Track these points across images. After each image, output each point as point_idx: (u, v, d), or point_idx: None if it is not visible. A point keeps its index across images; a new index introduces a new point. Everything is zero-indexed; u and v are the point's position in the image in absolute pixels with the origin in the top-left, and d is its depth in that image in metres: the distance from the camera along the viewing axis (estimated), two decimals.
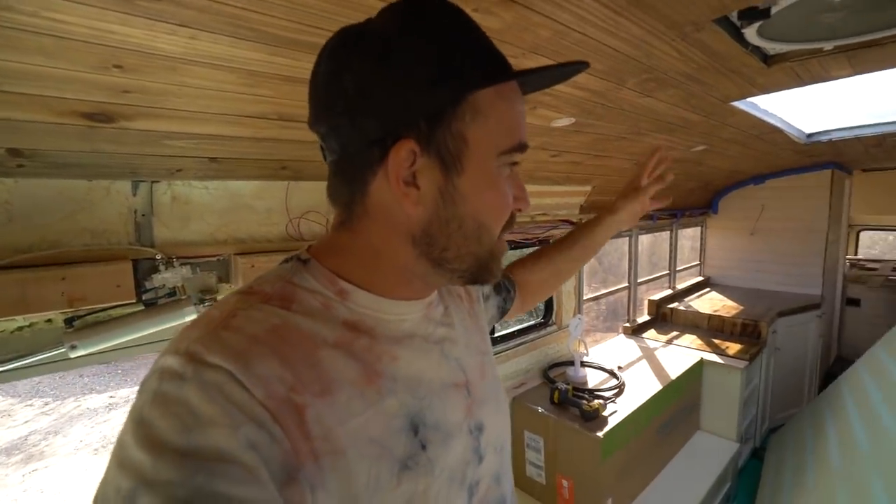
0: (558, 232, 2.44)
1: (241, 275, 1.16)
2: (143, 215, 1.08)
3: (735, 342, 2.78)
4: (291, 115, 0.95)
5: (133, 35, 0.60)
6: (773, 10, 0.74)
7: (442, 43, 0.39)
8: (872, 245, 6.00)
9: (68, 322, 1.01)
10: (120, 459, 0.32)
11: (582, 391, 2.05)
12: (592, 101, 1.21)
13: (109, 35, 0.59)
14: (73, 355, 0.99)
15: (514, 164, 0.45)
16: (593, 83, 1.06)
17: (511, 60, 0.44)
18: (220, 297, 1.23)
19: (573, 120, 1.35)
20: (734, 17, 0.79)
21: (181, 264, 1.11)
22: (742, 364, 2.50)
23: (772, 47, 0.97)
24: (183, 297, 1.11)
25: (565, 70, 0.45)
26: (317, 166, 1.25)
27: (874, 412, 2.01)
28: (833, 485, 1.84)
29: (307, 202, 1.39)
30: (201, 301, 1.17)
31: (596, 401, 1.90)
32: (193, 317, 1.12)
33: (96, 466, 4.48)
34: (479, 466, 0.50)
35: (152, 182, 1.06)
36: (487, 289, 0.74)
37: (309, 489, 0.35)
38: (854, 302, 4.37)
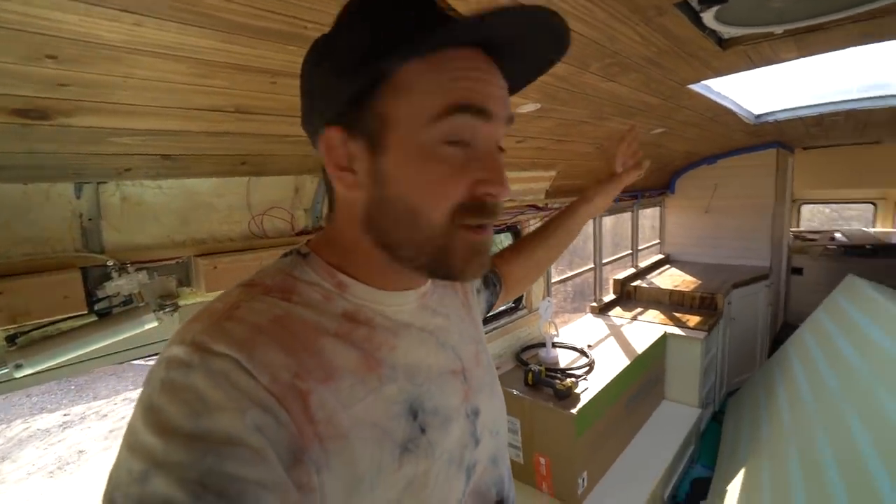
0: (524, 217, 2.47)
1: (204, 277, 1.11)
2: (90, 219, 1.00)
3: (694, 314, 2.93)
4: (249, 107, 0.90)
5: (69, 21, 0.55)
6: None
7: (363, 29, 0.40)
8: (812, 218, 6.45)
9: (10, 339, 0.92)
10: (131, 444, 0.33)
11: (554, 371, 2.11)
12: (556, 85, 1.21)
13: (41, 22, 0.53)
14: (18, 375, 0.91)
15: (460, 141, 0.40)
16: (557, 68, 1.06)
17: None
18: (181, 302, 1.17)
19: (538, 105, 1.35)
20: (694, 2, 0.81)
21: (136, 270, 1.04)
22: (702, 335, 2.64)
23: (727, 31, 1.00)
24: (141, 305, 1.05)
25: (540, 25, 0.40)
26: (279, 160, 1.20)
27: (818, 371, 2.18)
28: (784, 440, 1.99)
29: (270, 198, 1.33)
30: (161, 307, 1.11)
31: (568, 379, 1.96)
32: (154, 324, 1.06)
33: (52, 490, 4.22)
34: (476, 449, 0.51)
35: (98, 183, 0.98)
36: (479, 283, 0.73)
37: (315, 470, 0.36)
38: (797, 271, 4.70)
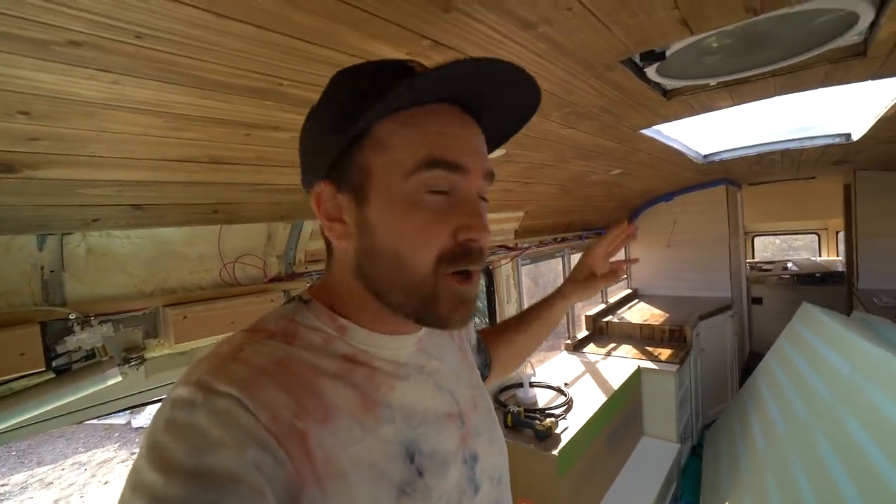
0: (496, 258, 2.52)
1: (173, 327, 1.08)
2: (52, 271, 0.97)
3: (665, 348, 3.00)
4: (223, 158, 0.92)
5: (46, 81, 0.56)
6: (668, 52, 0.86)
7: (347, 91, 0.45)
8: (765, 248, 6.84)
9: None
10: (133, 483, 0.33)
11: (533, 412, 2.09)
12: (521, 133, 1.29)
13: (16, 81, 0.55)
14: None
15: (441, 191, 0.42)
16: None
17: None
18: (147, 355, 1.12)
19: (504, 151, 1.43)
20: (637, 58, 0.91)
21: (100, 322, 1.01)
22: (674, 368, 2.69)
23: (669, 83, 1.11)
24: (104, 359, 1.00)
25: (509, 80, 0.43)
26: (250, 208, 1.20)
27: (785, 397, 2.25)
28: (762, 468, 2.01)
29: (242, 246, 1.33)
30: (126, 361, 1.06)
31: (548, 419, 1.95)
32: (118, 379, 1.01)
33: None
34: (476, 496, 0.50)
35: (63, 234, 0.96)
36: (474, 340, 0.73)
37: None
38: (757, 300, 4.92)
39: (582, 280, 0.83)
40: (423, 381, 0.50)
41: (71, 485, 4.96)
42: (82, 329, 0.98)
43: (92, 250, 1.02)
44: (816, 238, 6.04)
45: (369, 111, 0.40)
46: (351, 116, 0.41)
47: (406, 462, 0.44)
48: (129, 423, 6.05)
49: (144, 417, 5.88)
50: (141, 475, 0.33)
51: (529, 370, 2.61)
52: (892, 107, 1.54)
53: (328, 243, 0.50)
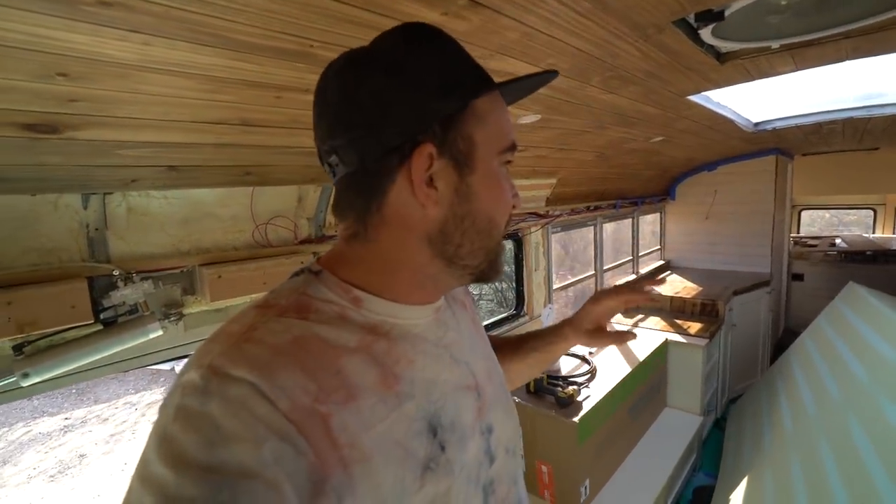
0: (526, 225, 2.48)
1: (209, 286, 1.12)
2: (97, 229, 1.01)
3: (696, 321, 2.93)
4: (255, 120, 0.91)
5: (79, 42, 0.56)
6: (727, 13, 0.78)
7: (444, 57, 0.44)
8: (812, 223, 6.46)
9: (17, 349, 0.93)
10: (143, 475, 0.32)
11: (556, 378, 2.11)
12: (558, 97, 1.23)
13: (52, 42, 0.55)
14: (25, 384, 0.92)
15: (508, 162, 0.49)
16: (559, 82, 1.07)
17: (479, 61, 0.48)
18: (186, 311, 1.17)
19: (539, 116, 1.37)
20: (691, 18, 0.82)
21: (142, 279, 1.05)
22: (703, 342, 2.64)
23: (724, 46, 1.01)
24: (146, 314, 1.06)
25: (537, 80, 0.50)
26: (282, 170, 1.21)
27: (819, 378, 2.18)
28: (787, 447, 1.98)
29: (273, 207, 1.34)
30: (166, 316, 1.12)
31: (570, 387, 1.96)
32: (158, 333, 1.07)
33: (53, 494, 4.21)
34: (491, 467, 0.51)
35: (105, 194, 1.00)
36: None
37: (337, 498, 0.35)
38: (798, 277, 4.69)
39: (586, 331, 0.74)
40: (441, 353, 0.49)
41: (124, 422, 5.45)
42: (125, 285, 1.03)
43: (132, 209, 1.06)
44: (872, 213, 5.63)
45: (486, 86, 0.45)
46: (462, 84, 0.44)
47: (429, 437, 0.43)
48: (173, 368, 6.50)
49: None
50: (150, 468, 0.32)
51: None
52: None
53: (367, 209, 0.45)
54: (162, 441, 0.32)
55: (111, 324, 1.04)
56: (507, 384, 0.77)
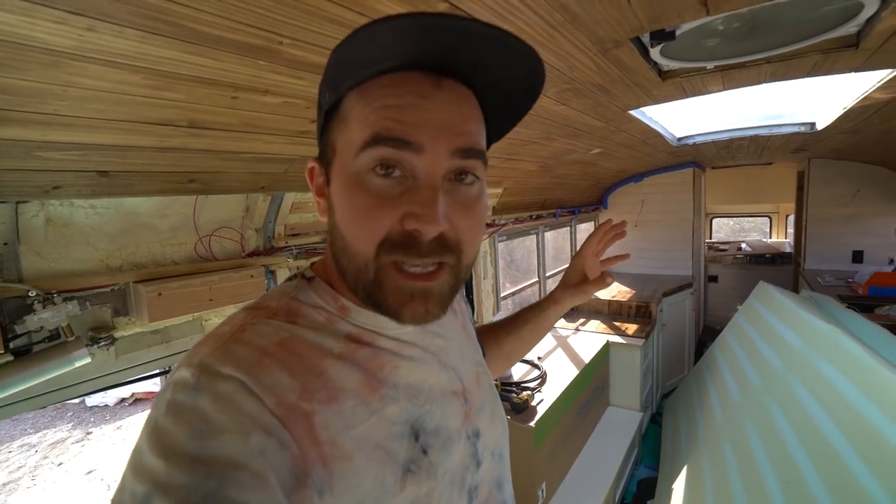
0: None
1: (147, 305, 1.00)
2: (6, 244, 0.87)
3: (632, 323, 3.13)
4: (205, 122, 0.84)
5: (4, 21, 0.48)
6: (677, 33, 0.84)
7: (329, 67, 0.39)
8: (719, 230, 7.21)
9: None
10: (135, 466, 0.33)
11: (510, 385, 2.14)
12: None
13: None
14: None
15: (386, 173, 0.38)
16: None
17: None
18: (118, 334, 1.04)
19: None
20: (646, 38, 0.89)
21: (64, 300, 0.92)
22: (640, 342, 2.82)
23: (668, 64, 1.10)
24: (70, 339, 0.92)
25: (500, 49, 0.37)
26: (229, 178, 1.12)
27: (742, 370, 2.41)
28: (718, 434, 2.16)
29: (218, 217, 1.24)
30: (94, 341, 0.98)
31: (524, 392, 2.00)
32: (86, 360, 0.94)
33: None
34: (478, 472, 0.51)
35: (18, 202, 0.86)
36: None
37: (317, 494, 0.36)
38: (713, 279, 5.20)
39: (573, 285, 0.78)
40: (428, 359, 0.49)
41: (20, 467, 4.70)
42: (44, 307, 0.89)
43: (51, 221, 0.92)
44: (768, 221, 6.40)
45: (333, 86, 0.39)
46: (335, 85, 0.40)
47: (411, 440, 0.43)
48: (83, 401, 5.75)
49: (99, 396, 5.62)
50: (142, 459, 0.33)
51: None
52: (861, 99, 1.61)
53: None
54: (154, 433, 0.33)
55: (25, 353, 0.89)
56: (505, 361, 0.81)
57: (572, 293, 0.78)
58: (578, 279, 0.79)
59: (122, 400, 5.78)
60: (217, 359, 0.36)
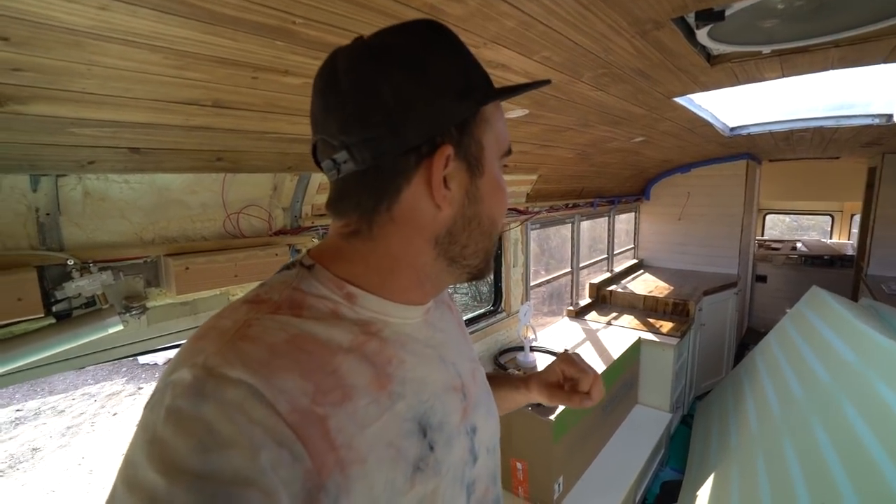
0: (505, 220, 2.46)
1: (175, 278, 1.04)
2: (48, 214, 0.92)
3: (667, 320, 3.00)
4: (228, 102, 0.85)
5: (20, 1, 0.49)
6: (728, 13, 0.76)
7: (462, 60, 0.44)
8: (773, 227, 6.74)
9: None
10: (129, 480, 0.30)
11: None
12: (547, 93, 1.20)
13: None
14: None
15: (505, 166, 0.49)
16: (551, 75, 1.04)
17: (472, 50, 0.46)
18: (149, 304, 1.10)
19: (527, 111, 1.34)
20: (691, 18, 0.81)
21: (100, 269, 0.97)
22: (674, 341, 2.70)
23: (717, 48, 1.00)
24: (105, 307, 0.98)
25: (529, 86, 0.49)
26: (256, 157, 1.14)
27: (784, 379, 2.26)
28: (753, 445, 2.05)
29: (246, 196, 1.27)
30: (127, 310, 1.04)
31: None
32: (119, 328, 0.99)
33: (5, 490, 3.97)
34: (475, 466, 0.51)
35: (57, 175, 0.91)
36: None
37: (331, 503, 0.35)
38: (762, 279, 4.89)
39: (549, 384, 0.70)
40: (430, 354, 0.50)
41: (81, 413, 5.17)
42: (81, 276, 0.95)
43: (89, 194, 0.97)
44: (830, 219, 5.91)
45: (499, 94, 0.45)
46: (477, 88, 0.44)
47: (420, 437, 0.43)
48: (135, 359, 6.24)
49: (149, 356, 6.06)
50: (138, 473, 0.30)
51: (531, 334, 2.62)
52: None
53: (375, 206, 0.43)
54: (152, 444, 0.31)
55: (65, 317, 0.95)
56: None
57: (546, 391, 0.69)
58: (555, 380, 0.69)
59: (170, 360, 6.23)
60: (223, 359, 0.34)
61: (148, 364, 6.25)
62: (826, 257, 4.70)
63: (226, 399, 0.32)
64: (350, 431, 0.37)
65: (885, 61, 1.09)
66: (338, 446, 0.36)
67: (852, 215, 5.57)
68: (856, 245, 4.73)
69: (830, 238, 5.89)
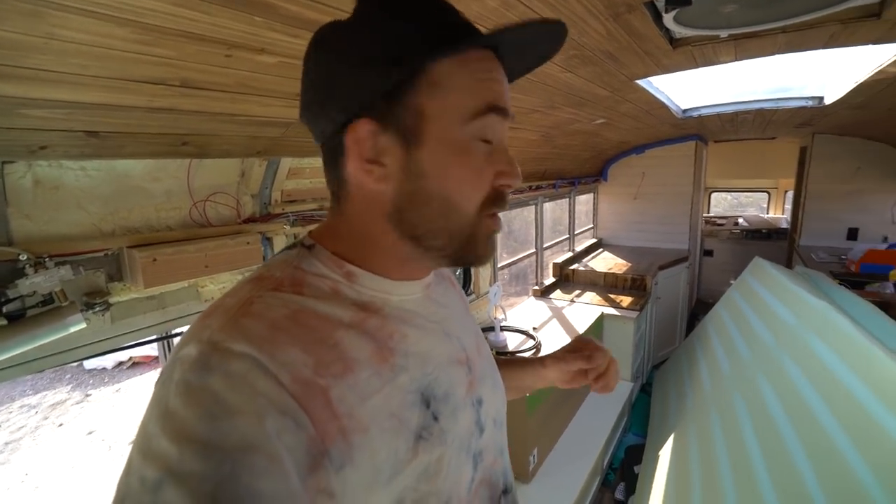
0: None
1: (141, 270, 0.99)
2: None
3: (627, 295, 3.16)
4: (197, 81, 0.80)
5: None
6: None
7: (394, 23, 0.40)
8: (717, 204, 7.20)
9: None
10: (144, 449, 0.32)
11: (504, 354, 2.17)
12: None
13: None
14: None
15: (488, 139, 0.43)
16: None
17: None
18: (112, 299, 1.03)
19: None
20: (660, 2, 0.84)
21: (57, 264, 0.90)
22: (634, 314, 2.85)
23: (680, 31, 1.05)
24: (64, 304, 0.91)
25: (545, 32, 0.44)
26: (224, 141, 1.08)
27: (733, 343, 2.45)
28: (706, 404, 2.23)
29: (213, 182, 1.21)
30: (89, 306, 0.97)
31: None
32: (81, 325, 0.93)
33: None
34: (481, 438, 0.52)
35: (3, 162, 0.83)
36: None
37: (335, 470, 0.36)
38: (709, 253, 5.23)
39: (567, 369, 0.69)
40: (433, 328, 0.50)
41: (21, 427, 4.79)
42: (36, 271, 0.88)
43: (40, 182, 0.89)
44: (766, 196, 6.38)
45: (438, 50, 0.39)
46: (413, 49, 0.39)
47: (423, 407, 0.44)
48: (81, 364, 5.81)
49: (96, 360, 5.67)
50: (152, 442, 0.32)
51: (500, 315, 2.68)
52: (875, 73, 1.56)
53: (339, 186, 0.45)
54: (164, 416, 0.33)
55: (18, 318, 0.88)
56: None
57: (560, 376, 0.70)
58: (575, 365, 0.69)
59: (120, 363, 5.84)
60: (227, 334, 0.35)
61: (95, 369, 5.85)
62: (764, 231, 5.09)
63: (231, 371, 0.33)
64: (351, 402, 0.38)
65: (825, 47, 1.19)
66: (340, 415, 0.37)
67: (786, 192, 6.04)
68: (789, 219, 5.15)
69: (767, 213, 6.37)
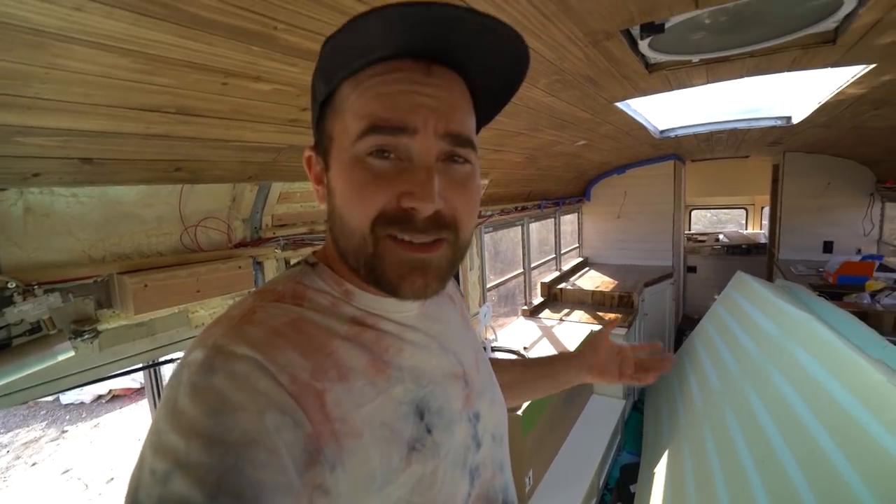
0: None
1: (132, 297, 0.98)
2: None
3: (615, 312, 3.19)
4: (193, 109, 0.82)
5: None
6: (667, 26, 0.86)
7: (323, 52, 0.40)
8: (697, 221, 7.40)
9: None
10: (154, 444, 0.34)
11: None
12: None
13: None
14: None
15: (389, 156, 0.39)
16: None
17: None
18: (101, 327, 1.02)
19: None
20: (636, 30, 0.90)
21: (45, 292, 0.89)
22: (623, 331, 2.88)
23: (655, 57, 1.12)
24: (52, 332, 0.90)
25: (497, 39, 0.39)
26: (217, 167, 1.10)
27: (720, 357, 2.49)
28: (699, 419, 2.24)
29: (204, 208, 1.22)
30: (77, 334, 0.96)
31: None
32: (70, 354, 0.91)
33: None
34: (478, 453, 0.52)
35: None
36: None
37: (329, 468, 0.37)
38: (692, 269, 5.34)
39: (608, 370, 0.79)
40: (429, 342, 0.51)
41: None
42: (24, 299, 0.87)
43: (31, 210, 0.89)
44: (744, 212, 6.58)
45: (326, 79, 0.42)
46: (328, 76, 0.42)
47: (416, 420, 0.45)
48: (57, 399, 5.58)
49: (74, 393, 5.45)
50: (161, 437, 0.34)
51: (491, 335, 2.68)
52: (835, 94, 1.66)
53: None
54: (173, 413, 0.34)
55: (4, 347, 0.87)
56: (517, 399, 0.80)
57: (590, 371, 0.79)
58: (602, 358, 0.79)
59: (99, 397, 5.61)
60: (231, 339, 0.37)
61: (73, 403, 5.61)
62: (744, 246, 5.24)
63: (234, 371, 0.35)
64: (345, 407, 0.40)
65: (790, 69, 1.27)
66: (333, 419, 0.38)
67: (762, 208, 6.24)
68: (767, 234, 5.31)
69: (746, 229, 6.56)
